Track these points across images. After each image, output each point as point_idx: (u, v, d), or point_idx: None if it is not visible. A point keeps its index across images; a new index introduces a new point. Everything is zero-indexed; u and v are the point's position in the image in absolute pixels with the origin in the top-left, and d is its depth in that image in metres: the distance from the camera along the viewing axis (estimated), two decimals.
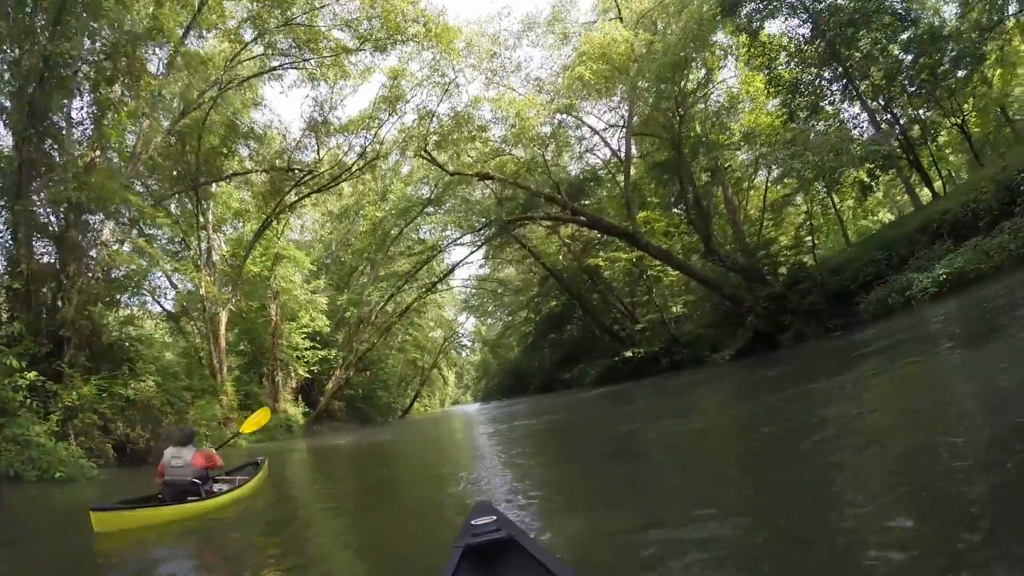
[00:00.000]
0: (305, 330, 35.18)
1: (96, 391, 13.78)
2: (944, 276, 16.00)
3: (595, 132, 29.88)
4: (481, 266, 57.93)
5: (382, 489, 9.68)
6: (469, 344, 69.54)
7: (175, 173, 26.72)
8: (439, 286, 39.06)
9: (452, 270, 37.97)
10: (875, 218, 37.98)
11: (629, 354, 32.11)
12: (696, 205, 25.52)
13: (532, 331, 50.29)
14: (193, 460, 7.58)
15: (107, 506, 6.80)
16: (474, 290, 58.85)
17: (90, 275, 16.44)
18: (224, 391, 27.92)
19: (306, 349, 34.57)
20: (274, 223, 34.76)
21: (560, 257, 40.86)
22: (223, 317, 29.80)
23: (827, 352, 17.88)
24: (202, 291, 29.07)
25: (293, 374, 35.08)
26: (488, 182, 29.27)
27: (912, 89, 23.99)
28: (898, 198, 38.50)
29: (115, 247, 17.21)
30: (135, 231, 29.30)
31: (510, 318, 58.62)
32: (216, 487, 8.22)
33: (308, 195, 31.33)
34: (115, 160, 20.10)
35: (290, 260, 34.38)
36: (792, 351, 20.37)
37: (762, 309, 22.09)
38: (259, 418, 10.63)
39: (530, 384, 54.80)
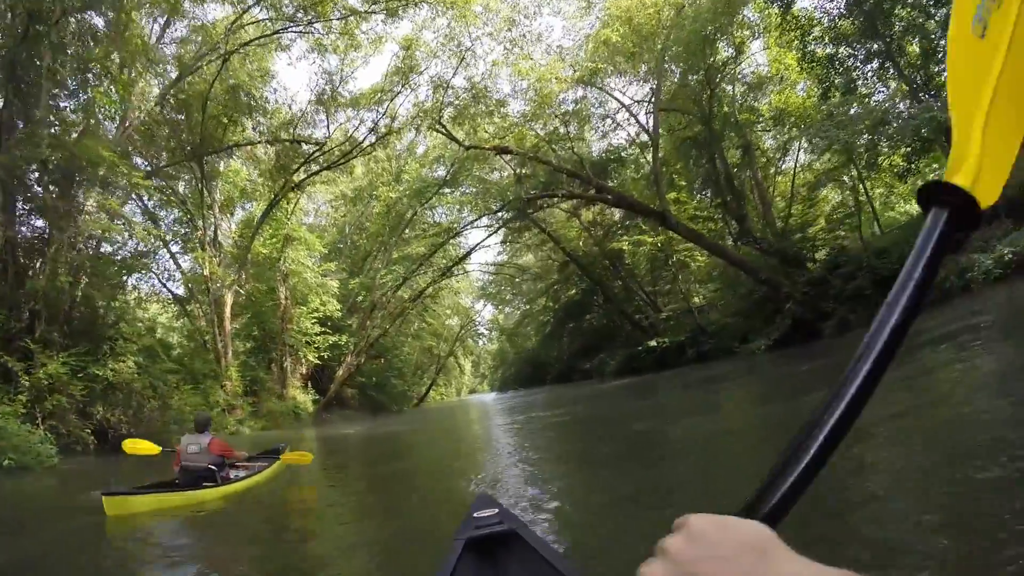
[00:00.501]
0: (316, 315, 33.99)
1: (68, 371, 12.47)
2: (1010, 256, 14.39)
3: (622, 106, 28.03)
4: (499, 253, 56.71)
5: (391, 480, 9.41)
6: (486, 332, 68.07)
7: (173, 144, 25.32)
8: (455, 271, 37.47)
9: (468, 254, 36.50)
10: (902, 208, 35.70)
11: (653, 344, 30.46)
12: (728, 184, 23.78)
13: (550, 319, 48.71)
14: (210, 446, 7.60)
15: (118, 491, 6.83)
16: (491, 277, 57.46)
17: (73, 245, 15.16)
18: (228, 376, 26.78)
19: (316, 334, 33.36)
20: (284, 203, 33.58)
21: (580, 243, 39.20)
22: (228, 299, 28.65)
23: None
24: (206, 271, 27.94)
25: (304, 360, 33.93)
26: (506, 158, 27.72)
27: None
28: None
29: (103, 217, 15.82)
30: (138, 208, 28.92)
31: (528, 306, 57.02)
32: (233, 474, 8.19)
33: (317, 172, 29.96)
34: (110, 128, 18.76)
35: (300, 242, 33.15)
36: (835, 340, 18.66)
37: (801, 295, 20.33)
38: (300, 458, 9.75)
39: (548, 374, 53.61)
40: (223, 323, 28.01)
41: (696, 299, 33.53)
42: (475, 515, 2.62)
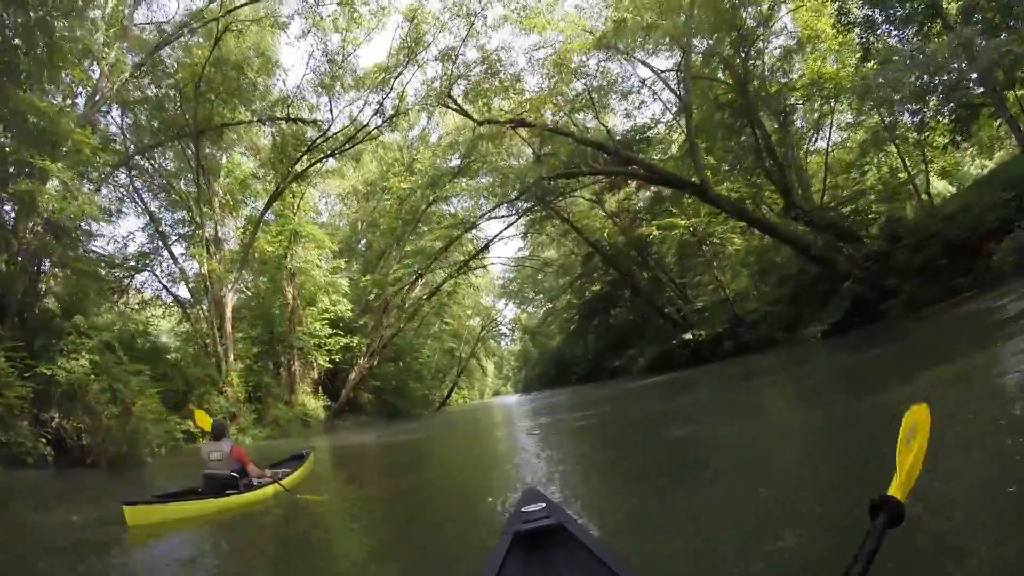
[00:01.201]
0: (326, 316, 32.15)
1: (11, 369, 10.58)
2: None
3: (654, 73, 25.49)
4: (519, 249, 54.76)
5: (412, 491, 8.71)
6: (508, 332, 65.74)
7: (156, 124, 23.58)
8: (473, 266, 35.17)
9: (487, 246, 34.19)
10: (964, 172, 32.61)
11: (688, 337, 28.09)
12: (770, 154, 21.38)
13: (575, 316, 46.34)
14: (232, 454, 7.52)
15: (139, 500, 6.73)
16: (512, 274, 55.44)
17: (33, 231, 13.35)
18: (229, 382, 24.97)
19: (327, 336, 31.49)
20: (289, 198, 31.84)
21: (605, 234, 36.85)
22: (229, 300, 26.89)
23: (957, 321, 13.97)
24: (204, 269, 26.19)
25: (314, 364, 32.06)
26: (524, 141, 25.56)
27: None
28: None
29: (68, 199, 13.94)
30: (139, 208, 27.32)
31: (551, 304, 54.94)
32: (256, 481, 7.86)
33: (321, 160, 28.04)
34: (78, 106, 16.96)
35: (308, 239, 31.32)
36: (905, 322, 16.21)
37: (862, 272, 17.86)
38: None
39: (573, 373, 51.72)
40: (224, 325, 26.22)
41: (732, 287, 30.93)
42: (523, 509, 2.62)
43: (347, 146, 27.30)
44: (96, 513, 7.43)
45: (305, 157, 27.26)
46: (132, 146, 22.54)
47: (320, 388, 32.02)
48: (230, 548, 5.99)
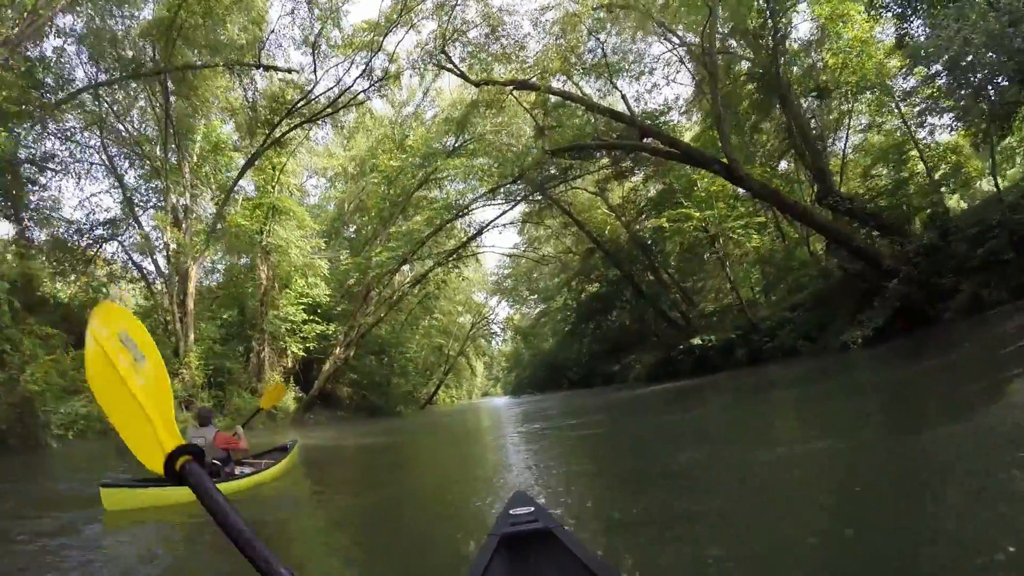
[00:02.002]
0: (304, 300, 29.56)
1: None
2: None
3: (673, 42, 23.02)
4: (515, 244, 52.45)
5: (398, 490, 8.15)
6: (500, 332, 63.03)
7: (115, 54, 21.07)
8: (463, 253, 32.35)
9: (479, 232, 31.29)
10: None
11: (697, 342, 25.55)
12: (802, 135, 18.96)
13: (571, 317, 43.79)
14: (215, 441, 7.39)
15: (117, 482, 6.48)
16: (507, 270, 53.00)
17: None
18: (187, 363, 22.42)
19: (303, 322, 28.91)
20: (269, 170, 29.35)
21: (607, 229, 34.35)
22: (194, 274, 24.32)
23: None
24: (166, 238, 23.66)
25: (289, 352, 29.46)
26: (525, 107, 23.01)
27: None
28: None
29: None
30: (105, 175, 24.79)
31: (545, 304, 52.57)
32: (238, 470, 7.79)
33: (301, 124, 25.50)
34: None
35: (287, 215, 28.72)
36: (962, 326, 13.81)
37: (911, 268, 15.38)
38: (276, 393, 10.05)
39: (565, 378, 49.97)
40: (186, 301, 23.67)
41: (747, 290, 28.37)
42: (511, 512, 2.58)
43: (329, 110, 24.71)
44: None
45: (285, 122, 24.76)
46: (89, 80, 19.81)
47: (292, 378, 29.42)
48: (207, 539, 5.34)
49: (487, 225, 30.13)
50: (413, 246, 26.65)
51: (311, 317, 29.43)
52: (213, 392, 23.57)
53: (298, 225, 29.19)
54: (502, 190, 27.39)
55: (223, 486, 6.73)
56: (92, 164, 25.04)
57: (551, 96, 22.12)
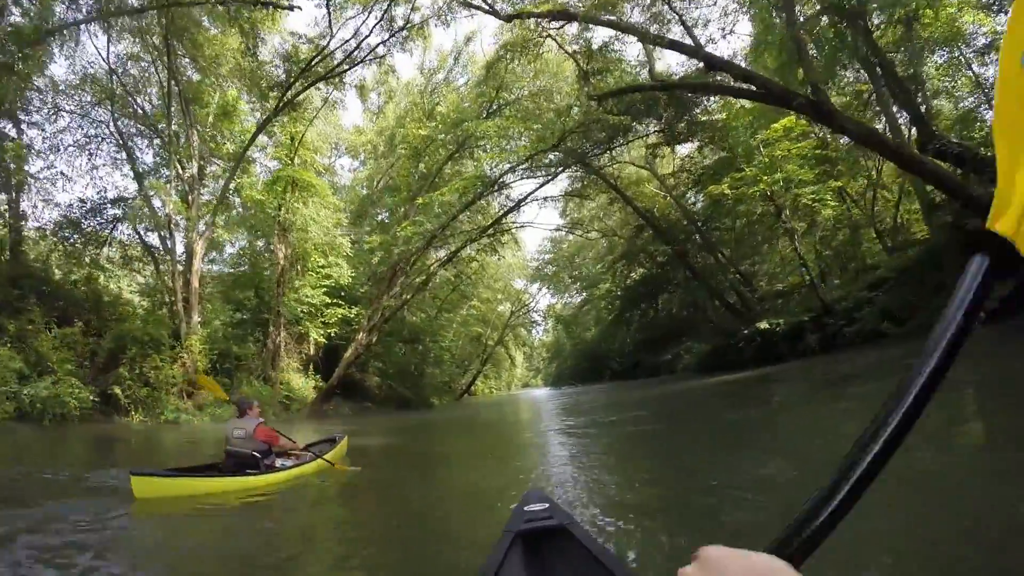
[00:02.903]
0: (326, 283, 27.25)
1: None
2: None
3: None
4: (557, 227, 49.71)
5: (446, 467, 9.07)
6: (540, 320, 60.05)
7: None
8: (500, 228, 29.20)
9: (517, 205, 28.15)
10: None
11: (763, 326, 22.23)
12: (891, 76, 15.52)
13: (616, 304, 40.50)
14: (255, 433, 7.26)
15: (147, 471, 6.35)
16: (547, 255, 50.18)
17: None
18: (188, 347, 20.27)
19: (324, 306, 26.62)
20: (285, 139, 27.12)
21: (656, 207, 31.06)
22: (199, 249, 22.17)
23: None
24: (168, 208, 21.56)
25: (310, 338, 27.25)
26: (566, 50, 19.98)
27: None
28: None
29: None
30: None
31: (587, 292, 49.55)
32: (279, 462, 7.65)
33: (317, 82, 22.97)
34: None
35: (307, 189, 26.37)
36: None
37: None
38: (339, 459, 8.91)
39: (608, 369, 47.64)
40: (191, 279, 21.57)
41: (809, 268, 24.60)
42: (525, 508, 2.56)
43: (347, 66, 22.16)
44: None
45: (299, 83, 22.31)
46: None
47: (312, 366, 27.23)
48: (238, 529, 5.50)
49: (525, 198, 27.16)
50: (443, 220, 23.87)
51: (334, 301, 27.17)
52: (221, 379, 21.43)
53: (320, 201, 26.82)
54: (542, 160, 24.43)
55: (263, 478, 7.03)
56: (102, 139, 23.23)
57: (594, 32, 19.07)
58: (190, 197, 22.48)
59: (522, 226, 32.99)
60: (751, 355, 23.82)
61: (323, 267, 26.68)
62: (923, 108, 18.13)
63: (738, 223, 25.79)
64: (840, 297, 22.11)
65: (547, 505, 2.55)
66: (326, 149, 37.40)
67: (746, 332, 23.28)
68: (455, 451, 12.73)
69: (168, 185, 21.90)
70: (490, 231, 27.21)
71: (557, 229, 37.90)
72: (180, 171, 22.71)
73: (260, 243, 28.26)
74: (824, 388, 13.83)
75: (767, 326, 21.58)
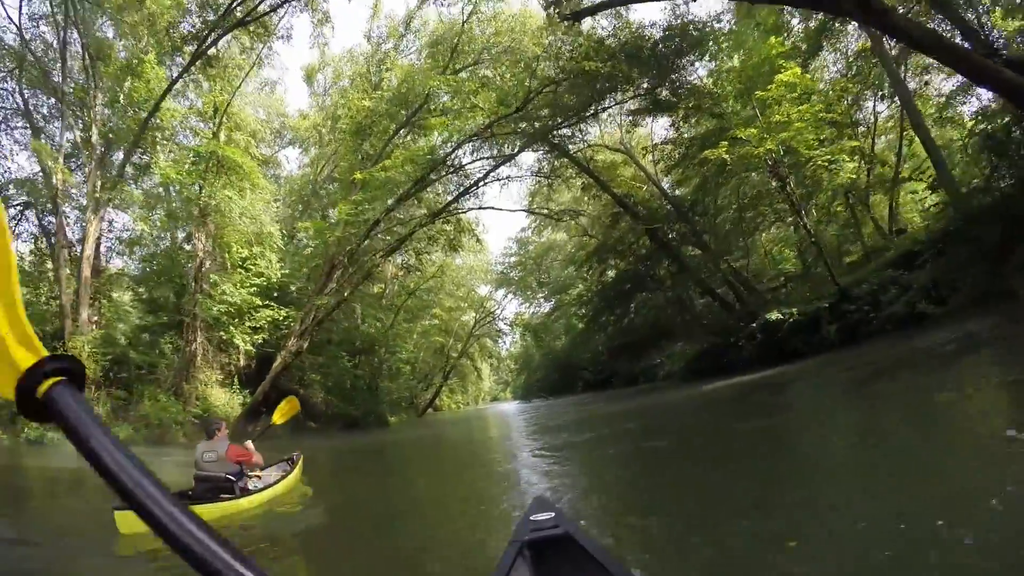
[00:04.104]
0: (255, 281, 23.22)
1: None
2: None
3: None
4: (522, 229, 46.71)
5: (419, 490, 8.81)
6: (507, 329, 55.97)
7: None
8: (456, 211, 25.08)
9: (475, 184, 23.80)
10: None
11: (774, 316, 18.85)
12: None
13: (589, 307, 36.75)
14: (227, 454, 6.92)
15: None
16: (512, 257, 46.85)
17: None
18: (71, 349, 16.16)
19: (254, 308, 22.59)
20: (210, 112, 23.22)
21: (635, 193, 27.62)
22: (93, 231, 18.12)
23: None
24: (56, 178, 17.58)
25: (239, 346, 23.01)
26: None
27: None
28: None
29: None
30: None
31: (556, 298, 46.31)
32: (251, 484, 7.30)
33: (235, 27, 19.06)
34: None
35: (232, 169, 22.36)
36: None
37: None
38: (288, 408, 9.19)
39: (580, 379, 44.69)
40: (82, 267, 17.51)
41: (822, 246, 21.11)
42: (531, 518, 2.56)
43: (268, 7, 18.43)
44: None
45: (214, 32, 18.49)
46: None
47: (238, 379, 23.05)
48: None
49: (485, 176, 23.38)
50: (386, 203, 20.11)
51: (265, 303, 23.15)
52: (112, 392, 17.37)
53: (248, 183, 22.83)
54: (503, 130, 20.96)
55: (242, 502, 6.69)
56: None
57: None
58: (90, 168, 18.47)
59: (481, 209, 28.68)
60: (753, 354, 20.58)
61: (247, 260, 22.62)
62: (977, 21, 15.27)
63: (732, 202, 22.59)
64: (857, 281, 18.99)
65: (553, 514, 2.53)
66: (268, 137, 33.53)
67: (752, 325, 19.95)
68: (403, 487, 10.02)
69: (57, 152, 17.88)
70: (443, 216, 23.36)
71: (527, 212, 33.35)
72: (78, 137, 18.77)
73: (181, 234, 24.12)
74: (855, 387, 10.93)
75: (779, 316, 18.26)
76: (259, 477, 7.65)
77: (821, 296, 18.95)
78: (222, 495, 6.67)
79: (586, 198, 30.19)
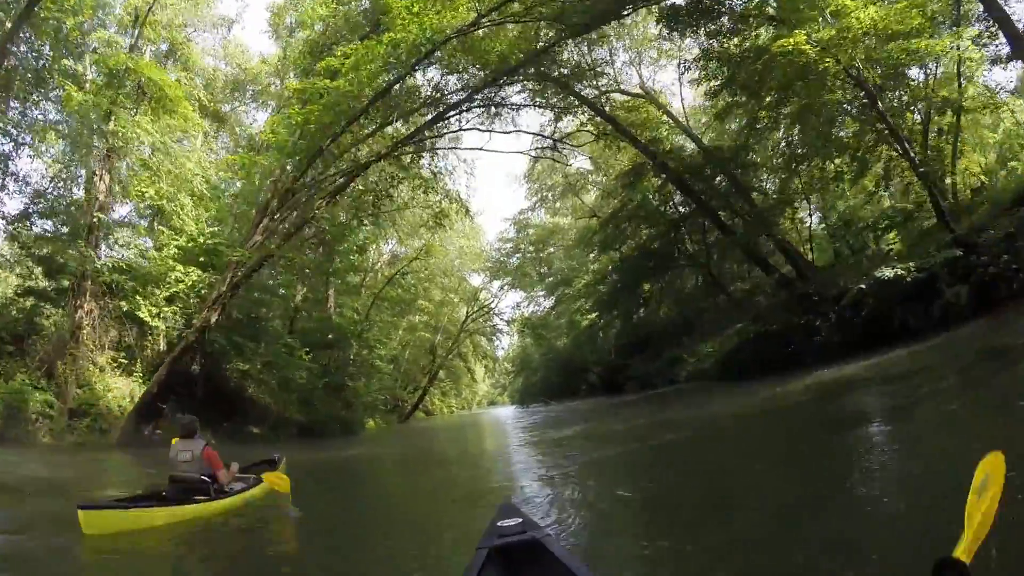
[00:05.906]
0: (177, 241, 17.89)
1: None
2: None
3: None
4: (522, 211, 41.70)
5: (398, 494, 8.78)
6: (504, 326, 50.57)
7: None
8: (431, 136, 18.80)
9: (461, 105, 17.79)
10: None
11: (888, 273, 13.25)
12: None
13: (597, 296, 31.21)
14: (203, 455, 6.41)
15: (97, 504, 5.64)
16: (508, 244, 41.90)
17: None
18: None
19: (169, 271, 17.24)
20: (128, 19, 17.98)
21: (662, 143, 22.08)
22: None
23: None
24: None
25: (150, 322, 17.39)
26: None
27: None
28: None
29: None
30: None
31: (559, 291, 41.51)
32: (228, 486, 6.85)
33: None
34: None
35: (157, 96, 17.10)
36: None
37: None
38: (279, 482, 7.28)
39: (584, 382, 39.82)
40: None
41: (936, 181, 15.46)
42: (499, 524, 2.52)
43: None
44: None
45: None
46: None
47: (146, 365, 17.51)
48: (197, 564, 5.11)
49: (468, 98, 17.76)
50: (335, 122, 14.70)
51: (189, 270, 17.77)
52: None
53: (180, 116, 17.54)
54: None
55: (218, 504, 6.33)
56: None
57: None
58: None
59: (460, 131, 21.70)
60: (833, 339, 15.15)
61: (155, 203, 17.21)
62: None
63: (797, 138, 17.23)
64: (975, 229, 13.65)
65: (520, 520, 2.52)
66: (223, 88, 28.25)
67: (852, 288, 14.43)
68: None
69: None
70: (412, 149, 17.79)
71: (538, 135, 25.02)
72: None
73: (82, 172, 18.68)
74: None
75: (899, 272, 12.82)
76: (240, 479, 7.10)
77: (928, 253, 13.51)
78: (196, 496, 6.16)
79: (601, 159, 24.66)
